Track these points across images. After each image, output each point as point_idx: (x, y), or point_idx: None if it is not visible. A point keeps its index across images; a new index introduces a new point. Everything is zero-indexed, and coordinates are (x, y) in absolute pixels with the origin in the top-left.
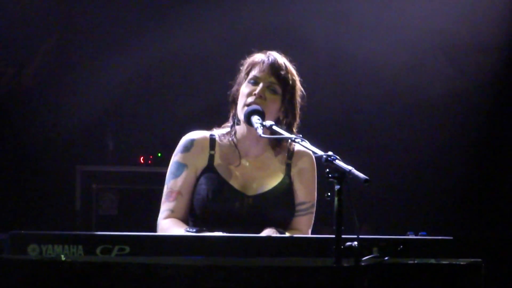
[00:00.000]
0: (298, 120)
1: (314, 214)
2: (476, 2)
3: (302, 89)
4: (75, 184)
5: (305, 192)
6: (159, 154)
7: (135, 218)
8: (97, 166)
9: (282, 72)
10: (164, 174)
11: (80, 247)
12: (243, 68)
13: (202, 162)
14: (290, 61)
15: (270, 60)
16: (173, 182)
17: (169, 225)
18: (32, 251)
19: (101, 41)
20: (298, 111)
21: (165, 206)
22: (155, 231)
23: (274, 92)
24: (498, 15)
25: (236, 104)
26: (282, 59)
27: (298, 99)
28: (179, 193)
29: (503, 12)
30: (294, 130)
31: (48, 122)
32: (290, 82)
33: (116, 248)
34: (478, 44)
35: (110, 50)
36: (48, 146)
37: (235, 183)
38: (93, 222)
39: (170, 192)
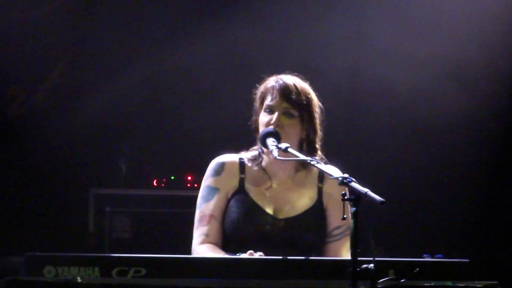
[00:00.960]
0: (319, 133)
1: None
2: (491, 29)
3: (319, 103)
4: (88, 207)
5: (339, 216)
6: (172, 177)
7: (148, 241)
8: (110, 189)
9: (294, 96)
10: (177, 197)
11: (96, 269)
12: (257, 97)
13: (233, 185)
14: (302, 79)
15: (279, 85)
16: (205, 206)
17: (204, 251)
18: (48, 273)
19: (112, 62)
20: (318, 126)
21: (199, 231)
22: (167, 253)
23: (291, 116)
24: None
25: (259, 132)
26: (291, 80)
27: (316, 115)
28: (212, 216)
29: None
30: (318, 145)
31: (61, 145)
32: (305, 101)
33: (132, 270)
34: (492, 70)
35: (122, 72)
36: (61, 169)
37: (266, 206)
38: (106, 244)
39: (203, 216)
